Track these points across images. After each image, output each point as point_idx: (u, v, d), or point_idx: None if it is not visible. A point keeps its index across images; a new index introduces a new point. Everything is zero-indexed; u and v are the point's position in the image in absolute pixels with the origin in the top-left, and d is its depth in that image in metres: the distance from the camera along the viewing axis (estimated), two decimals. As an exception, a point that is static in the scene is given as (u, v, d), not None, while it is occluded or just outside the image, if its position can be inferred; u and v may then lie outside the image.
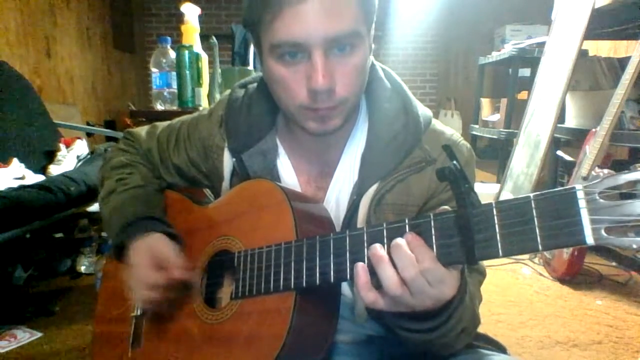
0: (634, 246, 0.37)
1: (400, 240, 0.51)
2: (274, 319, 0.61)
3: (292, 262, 0.60)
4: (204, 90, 1.94)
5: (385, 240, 0.53)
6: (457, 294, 0.53)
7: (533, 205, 0.42)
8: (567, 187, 0.41)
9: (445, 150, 0.49)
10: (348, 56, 0.63)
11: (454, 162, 0.47)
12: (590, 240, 0.39)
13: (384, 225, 0.53)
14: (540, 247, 0.42)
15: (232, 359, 0.64)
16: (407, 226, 0.52)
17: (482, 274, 0.74)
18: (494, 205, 0.45)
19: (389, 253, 0.51)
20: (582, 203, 0.39)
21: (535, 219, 0.42)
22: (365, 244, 0.54)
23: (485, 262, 0.73)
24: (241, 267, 0.67)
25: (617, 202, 0.38)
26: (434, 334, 0.57)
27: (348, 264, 0.55)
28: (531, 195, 0.43)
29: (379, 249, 0.52)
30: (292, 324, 0.59)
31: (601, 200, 0.39)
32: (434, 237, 0.49)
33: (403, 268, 0.50)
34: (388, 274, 0.51)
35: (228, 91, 0.83)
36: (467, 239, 0.46)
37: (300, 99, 0.64)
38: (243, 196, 0.73)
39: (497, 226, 0.45)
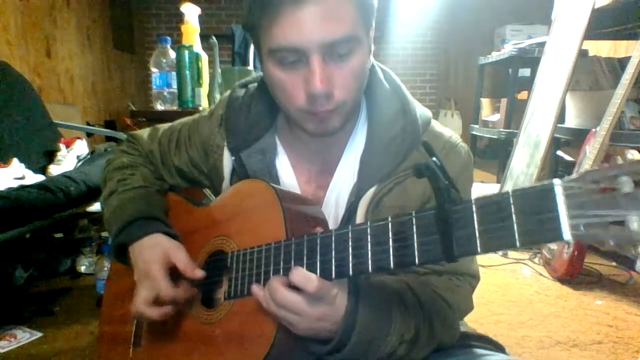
0: (612, 242, 0.36)
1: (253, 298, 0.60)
2: (263, 318, 0.61)
3: (281, 261, 0.61)
4: (204, 90, 1.94)
5: (369, 239, 0.53)
6: (339, 327, 0.59)
7: (511, 201, 0.42)
8: (546, 181, 0.40)
9: (423, 146, 0.49)
10: (346, 60, 0.63)
11: (433, 158, 0.47)
12: (567, 236, 0.38)
13: (368, 224, 0.54)
14: (517, 244, 0.41)
15: (224, 358, 0.65)
16: (390, 224, 0.52)
17: (475, 278, 0.74)
18: (473, 201, 0.45)
19: (374, 253, 0.53)
20: (559, 198, 0.39)
21: (514, 215, 0.42)
22: (350, 243, 0.54)
23: (486, 262, 0.74)
24: (234, 267, 0.67)
25: (596, 196, 0.37)
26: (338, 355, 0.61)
27: (334, 263, 0.55)
28: (510, 191, 0.43)
29: (255, 289, 0.61)
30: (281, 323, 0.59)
31: (580, 195, 0.38)
32: (415, 234, 0.49)
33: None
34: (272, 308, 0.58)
35: (229, 91, 0.83)
36: (445, 236, 0.46)
37: (299, 102, 0.64)
38: (237, 196, 0.73)
39: (475, 223, 0.44)
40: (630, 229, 0.36)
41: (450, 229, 0.46)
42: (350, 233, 0.55)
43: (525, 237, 0.41)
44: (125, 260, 0.78)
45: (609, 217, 0.36)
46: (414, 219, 0.50)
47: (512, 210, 0.42)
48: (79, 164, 2.16)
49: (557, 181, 0.39)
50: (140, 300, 0.71)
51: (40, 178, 1.86)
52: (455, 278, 0.71)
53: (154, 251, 0.73)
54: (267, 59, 0.65)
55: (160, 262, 0.71)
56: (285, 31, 0.59)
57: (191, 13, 1.98)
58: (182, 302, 0.71)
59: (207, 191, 0.89)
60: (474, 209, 0.45)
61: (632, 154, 1.98)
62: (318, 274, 0.57)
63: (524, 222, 0.41)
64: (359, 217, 0.70)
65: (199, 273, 0.71)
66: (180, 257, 0.72)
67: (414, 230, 0.49)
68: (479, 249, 0.44)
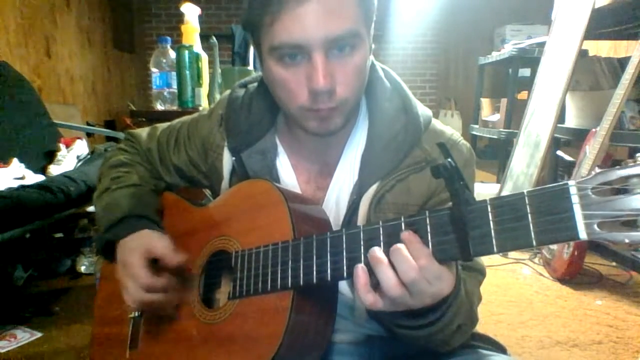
0: (626, 240, 0.37)
1: (399, 245, 0.51)
2: (271, 318, 0.61)
3: (290, 261, 0.60)
4: (204, 90, 1.94)
5: (382, 238, 0.53)
6: (453, 289, 0.54)
7: (527, 202, 0.43)
8: (560, 182, 0.41)
9: (439, 147, 0.50)
10: (348, 56, 0.63)
11: (449, 159, 0.47)
12: (583, 235, 0.39)
13: (380, 223, 0.53)
14: (534, 243, 0.42)
15: (230, 358, 0.64)
16: (402, 224, 0.52)
17: (482, 274, 0.74)
18: (488, 202, 0.46)
19: (387, 253, 0.51)
20: (574, 198, 0.40)
21: (529, 215, 0.42)
22: (362, 243, 0.54)
23: (486, 262, 0.74)
24: (238, 267, 0.67)
25: (609, 197, 0.38)
26: (430, 329, 0.58)
27: (345, 263, 0.55)
28: (525, 191, 0.43)
29: (377, 252, 0.51)
30: (290, 323, 0.59)
31: (593, 196, 0.39)
32: (429, 234, 0.50)
33: (403, 272, 0.50)
34: (387, 276, 0.51)
35: (228, 91, 0.83)
36: (461, 236, 0.47)
37: (301, 100, 0.64)
38: (240, 196, 0.73)
39: (491, 222, 0.45)
40: (643, 227, 0.37)
41: (465, 229, 0.46)
42: (361, 233, 0.55)
43: (541, 236, 0.42)
44: (112, 258, 0.78)
45: (622, 217, 0.38)
46: (427, 219, 0.50)
47: (528, 210, 0.43)
48: (79, 164, 2.15)
49: (571, 182, 0.40)
50: (126, 292, 0.71)
51: (40, 178, 1.86)
52: (464, 273, 0.71)
53: (136, 244, 0.73)
54: (268, 57, 0.64)
55: (139, 252, 0.71)
56: (288, 27, 0.59)
57: (191, 13, 1.98)
58: (167, 291, 0.71)
59: (207, 191, 0.89)
60: (489, 209, 0.46)
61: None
62: (329, 273, 0.56)
63: (540, 221, 0.42)
64: (361, 215, 0.69)
65: (179, 257, 0.70)
66: (159, 245, 0.71)
67: (428, 229, 0.50)
68: (495, 249, 0.45)
